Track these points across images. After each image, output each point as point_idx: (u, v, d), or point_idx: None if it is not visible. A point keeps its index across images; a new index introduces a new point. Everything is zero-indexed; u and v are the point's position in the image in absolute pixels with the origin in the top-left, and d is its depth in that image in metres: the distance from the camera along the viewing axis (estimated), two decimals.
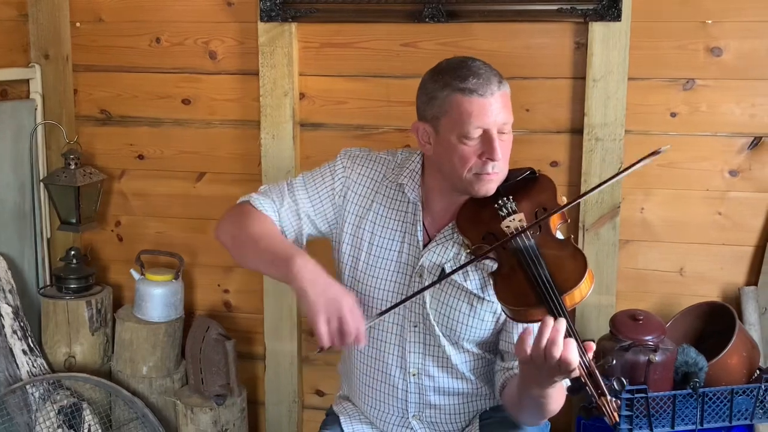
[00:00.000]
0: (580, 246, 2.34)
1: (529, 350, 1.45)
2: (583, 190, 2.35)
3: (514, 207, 1.71)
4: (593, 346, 1.48)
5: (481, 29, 2.36)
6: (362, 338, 1.59)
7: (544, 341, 1.43)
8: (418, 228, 1.80)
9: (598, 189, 1.78)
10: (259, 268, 1.80)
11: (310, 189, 1.87)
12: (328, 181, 1.87)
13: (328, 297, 1.58)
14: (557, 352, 1.41)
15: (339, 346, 1.58)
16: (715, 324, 2.24)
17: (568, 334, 1.45)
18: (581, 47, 2.32)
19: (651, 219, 2.39)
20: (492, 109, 1.66)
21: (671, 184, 2.36)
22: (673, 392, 2.03)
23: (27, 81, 2.66)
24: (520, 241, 1.63)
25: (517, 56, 2.36)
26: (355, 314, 1.58)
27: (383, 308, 1.79)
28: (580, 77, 2.33)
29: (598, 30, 2.26)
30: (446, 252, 1.77)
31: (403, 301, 1.72)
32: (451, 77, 1.68)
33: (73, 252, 2.63)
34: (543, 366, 1.44)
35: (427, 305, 1.78)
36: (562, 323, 1.45)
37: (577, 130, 2.36)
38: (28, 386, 2.45)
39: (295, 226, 1.85)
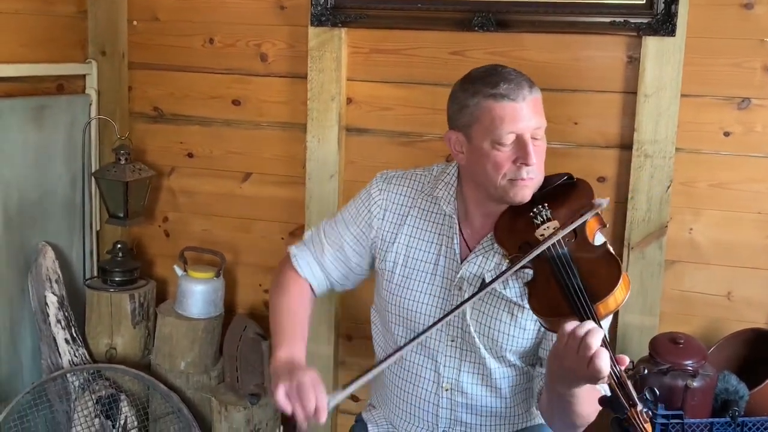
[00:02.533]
0: (624, 265, 2.29)
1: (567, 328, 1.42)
2: (629, 207, 2.29)
3: (548, 215, 1.68)
4: (626, 359, 1.43)
5: (532, 40, 2.34)
6: (322, 411, 1.56)
7: (583, 331, 1.39)
8: (455, 240, 1.78)
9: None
10: None
11: (350, 225, 1.89)
12: (364, 212, 1.88)
13: (290, 370, 1.61)
14: (592, 347, 1.36)
15: (303, 417, 1.56)
16: (760, 351, 2.17)
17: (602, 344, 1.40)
18: (634, 61, 2.27)
19: (699, 240, 2.32)
20: (524, 114, 1.64)
21: (722, 205, 2.29)
22: (711, 420, 1.97)
23: (83, 76, 2.73)
24: (554, 250, 1.59)
25: (567, 68, 2.33)
26: (316, 386, 1.57)
27: (424, 321, 1.78)
28: (631, 92, 2.28)
29: (651, 45, 2.21)
30: (487, 262, 1.75)
31: (429, 328, 1.66)
32: (482, 84, 1.66)
33: (119, 245, 2.68)
34: (572, 361, 1.40)
35: (468, 317, 1.75)
36: (600, 330, 1.40)
37: (626, 146, 2.31)
38: (68, 375, 2.51)
39: (343, 269, 1.91)
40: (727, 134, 2.25)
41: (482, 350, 1.75)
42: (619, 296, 1.51)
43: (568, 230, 1.61)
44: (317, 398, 1.55)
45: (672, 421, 1.94)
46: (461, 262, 1.77)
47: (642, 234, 2.30)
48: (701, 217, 2.31)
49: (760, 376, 2.06)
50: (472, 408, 1.81)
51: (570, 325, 1.43)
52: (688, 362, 2.00)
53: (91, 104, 2.72)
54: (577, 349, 1.39)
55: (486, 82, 1.66)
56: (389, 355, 1.67)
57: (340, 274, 1.92)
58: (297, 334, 1.77)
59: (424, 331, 1.67)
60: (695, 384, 1.96)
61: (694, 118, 2.26)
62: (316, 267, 1.90)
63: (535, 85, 1.68)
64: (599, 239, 1.70)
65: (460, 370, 1.79)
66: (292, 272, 1.90)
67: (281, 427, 1.59)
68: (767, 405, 2.02)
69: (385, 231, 1.85)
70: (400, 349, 1.68)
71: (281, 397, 1.56)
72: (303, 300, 1.88)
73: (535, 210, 1.69)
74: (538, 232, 1.65)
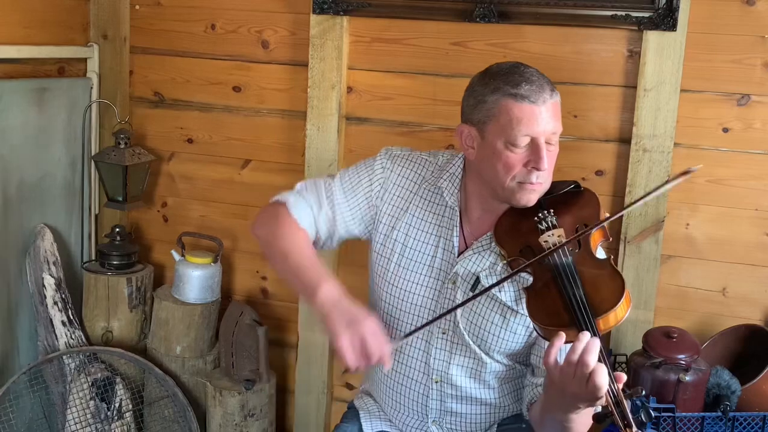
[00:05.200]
0: (619, 259, 2.30)
1: (553, 360, 1.42)
2: (627, 201, 2.30)
3: (554, 221, 1.67)
4: (624, 377, 1.42)
5: (532, 32, 2.34)
6: (387, 360, 1.55)
7: (577, 356, 1.39)
8: (454, 234, 1.78)
9: (638, 203, 1.74)
10: (285, 279, 1.76)
11: (348, 192, 1.85)
12: (366, 184, 1.85)
13: (350, 319, 1.54)
14: (590, 366, 1.37)
15: (363, 367, 1.55)
16: (753, 347, 2.17)
17: (599, 359, 1.39)
18: (634, 56, 2.27)
19: (696, 235, 2.33)
20: (542, 118, 1.62)
21: (719, 201, 2.29)
22: (702, 414, 1.98)
23: (85, 60, 2.72)
24: (557, 258, 1.58)
25: (567, 61, 2.33)
26: (378, 336, 1.54)
27: (416, 312, 1.79)
28: (631, 86, 2.28)
29: (652, 39, 2.21)
30: (482, 261, 1.75)
31: (435, 320, 1.69)
32: (503, 82, 1.64)
33: (117, 229, 2.68)
34: (570, 385, 1.40)
35: (458, 313, 1.75)
36: (596, 342, 1.40)
37: (624, 140, 2.32)
38: (64, 357, 2.52)
39: (330, 231, 1.85)
40: (726, 130, 2.25)
41: (472, 345, 1.76)
42: (620, 313, 1.51)
43: (574, 238, 1.61)
44: (381, 349, 1.53)
45: (663, 414, 1.94)
46: (458, 257, 1.77)
47: (638, 228, 2.30)
48: (698, 212, 2.31)
49: (752, 372, 2.07)
50: (461, 399, 1.82)
51: (559, 345, 1.43)
52: (681, 356, 2.00)
53: (92, 88, 2.72)
54: (575, 371, 1.39)
55: (508, 80, 1.64)
56: (443, 314, 1.69)
57: (327, 235, 1.85)
58: (325, 270, 1.67)
59: (419, 328, 1.69)
60: (687, 378, 1.97)
61: (694, 113, 2.26)
62: (312, 220, 1.82)
63: (555, 89, 1.66)
64: (601, 253, 1.70)
65: (449, 363, 1.79)
66: (290, 220, 1.79)
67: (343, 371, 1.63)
68: (759, 400, 2.03)
69: (384, 213, 1.84)
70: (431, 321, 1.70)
71: (348, 352, 1.52)
72: (311, 246, 1.79)
73: (540, 215, 1.68)
74: (542, 238, 1.64)
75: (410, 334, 1.69)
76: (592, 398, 1.39)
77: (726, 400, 1.99)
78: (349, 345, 1.52)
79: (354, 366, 1.53)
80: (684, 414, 1.96)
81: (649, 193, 1.64)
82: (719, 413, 1.97)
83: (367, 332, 1.53)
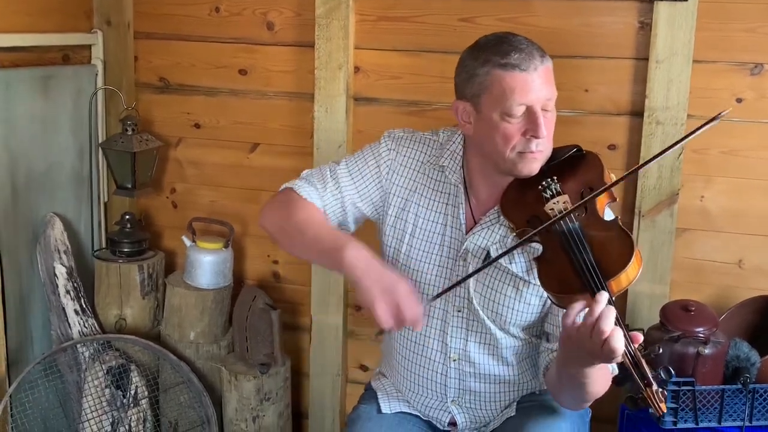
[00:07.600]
0: (634, 233, 2.28)
1: (571, 321, 1.42)
2: (640, 174, 2.27)
3: (558, 189, 1.66)
4: (640, 337, 1.43)
5: (541, 5, 2.31)
6: (419, 322, 1.55)
7: (594, 318, 1.39)
8: (461, 211, 1.77)
9: (649, 164, 1.71)
10: (307, 257, 1.78)
11: (354, 175, 1.84)
12: (372, 166, 1.84)
13: (384, 284, 1.54)
14: (606, 331, 1.37)
15: (397, 329, 1.57)
16: None
17: (615, 323, 1.40)
18: (645, 27, 2.24)
19: (711, 208, 2.30)
20: (535, 85, 1.61)
21: (734, 173, 2.27)
22: (722, 387, 1.97)
23: (89, 46, 2.70)
24: (564, 225, 1.58)
25: (578, 34, 2.30)
26: (412, 299, 1.54)
27: (428, 291, 1.78)
28: (642, 58, 2.25)
29: (663, 9, 2.18)
30: (492, 235, 1.74)
31: (457, 284, 1.67)
32: (492, 53, 1.63)
33: (127, 216, 2.67)
34: (586, 344, 1.40)
35: (471, 289, 1.75)
36: (612, 309, 1.40)
37: (637, 113, 2.29)
38: (78, 345, 2.51)
39: (339, 213, 1.83)
40: (739, 101, 2.23)
41: (487, 321, 1.75)
42: (631, 273, 1.51)
43: (579, 205, 1.60)
44: (414, 312, 1.53)
45: (683, 388, 1.94)
46: (466, 233, 1.76)
47: (653, 202, 2.28)
48: (713, 184, 2.29)
49: None
50: (480, 377, 1.81)
51: (579, 309, 1.43)
52: (700, 329, 1.99)
53: (97, 74, 2.70)
54: (591, 333, 1.39)
55: (496, 50, 1.63)
56: (458, 282, 1.68)
57: (338, 217, 1.85)
58: (346, 234, 1.69)
59: (439, 295, 1.68)
60: (706, 351, 1.96)
61: (707, 84, 2.23)
62: (320, 201, 1.81)
63: (546, 54, 1.65)
64: (609, 214, 1.69)
65: (467, 340, 1.79)
66: (301, 200, 1.78)
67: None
68: None
69: (394, 195, 1.83)
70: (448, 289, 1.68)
71: (384, 317, 1.52)
72: (326, 217, 1.80)
73: (544, 183, 1.67)
74: (548, 206, 1.64)
75: (438, 296, 1.68)
76: (607, 359, 1.40)
77: (746, 372, 1.98)
78: (386, 310, 1.52)
79: (389, 328, 1.54)
80: (704, 387, 1.95)
81: (669, 147, 1.64)
82: (739, 385, 1.96)
83: (402, 297, 1.53)
